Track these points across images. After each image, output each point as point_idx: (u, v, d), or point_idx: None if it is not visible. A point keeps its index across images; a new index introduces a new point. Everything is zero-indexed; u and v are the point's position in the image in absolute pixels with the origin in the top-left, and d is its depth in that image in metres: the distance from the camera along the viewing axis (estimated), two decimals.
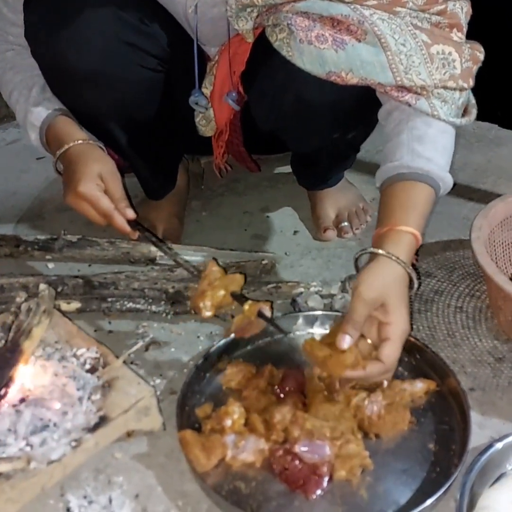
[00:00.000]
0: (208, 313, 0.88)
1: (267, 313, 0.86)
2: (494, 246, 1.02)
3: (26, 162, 1.54)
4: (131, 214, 0.95)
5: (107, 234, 1.24)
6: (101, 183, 0.95)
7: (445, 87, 0.90)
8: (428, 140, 0.90)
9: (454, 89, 0.91)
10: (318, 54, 0.87)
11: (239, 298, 0.88)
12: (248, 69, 1.04)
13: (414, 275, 0.83)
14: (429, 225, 1.24)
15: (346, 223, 1.23)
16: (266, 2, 0.90)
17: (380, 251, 0.82)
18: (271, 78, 0.97)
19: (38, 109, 1.02)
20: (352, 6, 0.86)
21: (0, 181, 1.47)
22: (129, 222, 0.95)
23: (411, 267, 0.83)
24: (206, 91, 1.11)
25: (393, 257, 0.82)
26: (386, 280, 0.81)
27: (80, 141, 0.99)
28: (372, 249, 0.84)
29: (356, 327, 0.80)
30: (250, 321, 0.86)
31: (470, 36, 0.95)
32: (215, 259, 0.96)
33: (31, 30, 0.99)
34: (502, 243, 1.04)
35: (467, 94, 0.95)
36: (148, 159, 1.16)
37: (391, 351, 0.79)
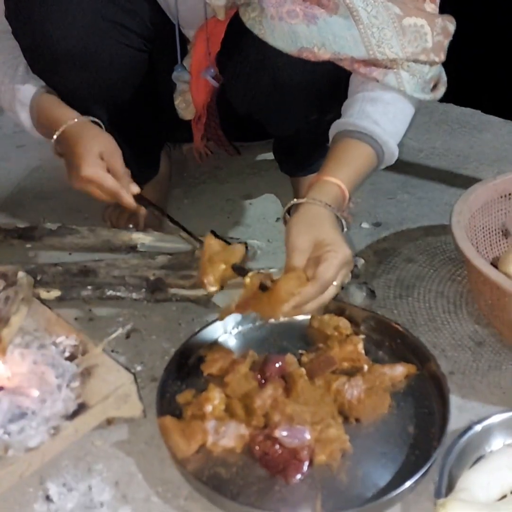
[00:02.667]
0: (213, 288, 0.88)
1: (269, 284, 0.83)
2: (475, 230, 1.03)
3: (6, 150, 1.53)
4: (136, 188, 0.97)
5: (88, 221, 1.24)
6: (102, 162, 0.95)
7: (416, 61, 0.90)
8: (380, 103, 0.92)
9: (425, 62, 0.91)
10: (290, 29, 0.86)
11: (240, 270, 0.87)
12: (223, 50, 1.03)
13: (339, 215, 0.85)
14: (411, 211, 1.26)
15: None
16: None
17: (304, 199, 0.85)
18: (245, 58, 0.97)
19: (25, 86, 1.01)
20: None
21: None
22: (134, 197, 0.97)
23: (335, 209, 0.85)
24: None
25: (317, 202, 0.84)
26: (312, 220, 0.83)
27: (75, 120, 0.98)
28: (296, 200, 0.86)
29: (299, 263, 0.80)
30: (253, 294, 0.83)
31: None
32: (212, 231, 0.93)
33: (12, 9, 0.97)
34: (483, 228, 1.05)
35: (438, 69, 0.96)
36: (130, 143, 1.14)
37: (326, 268, 0.79)
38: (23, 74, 1.02)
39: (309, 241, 0.81)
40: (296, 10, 0.86)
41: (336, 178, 0.87)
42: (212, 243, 0.90)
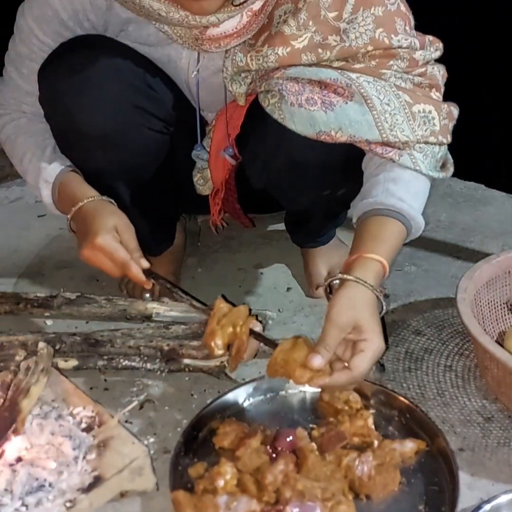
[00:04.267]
0: (220, 352, 0.91)
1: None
2: (481, 306, 1.06)
3: (27, 219, 1.58)
4: (146, 263, 1.00)
5: (105, 290, 1.27)
6: (116, 235, 0.99)
7: (426, 142, 0.98)
8: (402, 182, 0.97)
9: (434, 143, 0.99)
10: (309, 115, 0.93)
11: (257, 335, 0.92)
12: (242, 132, 1.10)
13: (381, 298, 0.88)
14: (418, 283, 1.29)
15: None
16: (260, 66, 0.97)
17: (349, 277, 0.88)
18: (263, 140, 1.04)
19: (51, 166, 1.07)
20: (339, 71, 0.94)
21: (1, 238, 1.51)
22: (143, 271, 1.00)
23: (378, 290, 0.88)
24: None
25: (361, 281, 0.87)
26: (356, 302, 0.86)
27: (92, 198, 1.03)
28: (341, 276, 0.89)
29: (328, 349, 0.83)
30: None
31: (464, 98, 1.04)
32: (223, 295, 0.97)
33: (45, 94, 1.05)
34: (488, 303, 1.08)
35: (445, 149, 1.03)
36: (148, 217, 1.20)
37: (361, 361, 0.83)
38: (50, 154, 1.09)
39: (348, 322, 0.84)
40: (315, 98, 0.93)
41: (378, 255, 0.90)
42: (222, 306, 0.93)
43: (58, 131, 1.08)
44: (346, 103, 0.93)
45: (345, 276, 0.89)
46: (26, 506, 0.74)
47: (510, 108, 1.80)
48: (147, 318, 1.17)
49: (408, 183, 0.98)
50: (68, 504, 0.75)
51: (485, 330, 0.94)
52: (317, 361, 0.83)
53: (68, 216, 1.04)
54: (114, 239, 0.99)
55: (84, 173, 1.09)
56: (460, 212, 1.57)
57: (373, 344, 0.84)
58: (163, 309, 1.17)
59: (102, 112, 1.03)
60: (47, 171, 1.07)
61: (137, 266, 0.99)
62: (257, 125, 1.03)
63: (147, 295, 1.24)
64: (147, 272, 1.01)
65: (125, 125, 1.05)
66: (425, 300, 1.23)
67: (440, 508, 0.79)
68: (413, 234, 1.00)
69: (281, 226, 1.41)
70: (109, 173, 1.10)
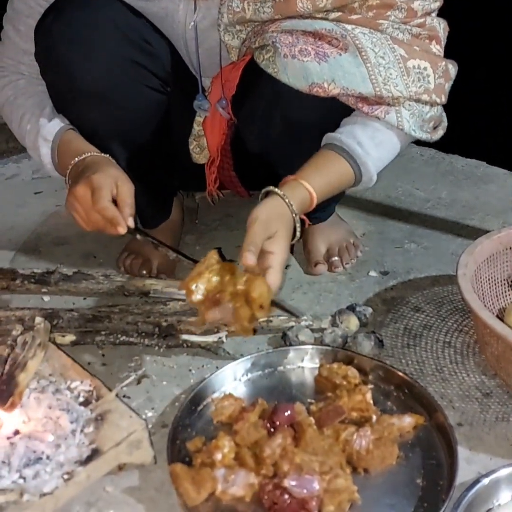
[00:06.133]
0: (198, 297, 0.84)
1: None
2: (481, 282, 1.05)
3: (23, 196, 1.58)
4: (131, 222, 0.94)
5: (103, 267, 1.27)
6: (114, 187, 0.93)
7: (418, 100, 0.97)
8: (370, 129, 0.98)
9: (427, 102, 0.98)
10: (301, 66, 0.92)
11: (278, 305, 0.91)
12: (238, 93, 1.08)
13: (298, 224, 0.92)
14: (418, 260, 1.28)
15: (336, 258, 1.26)
16: (255, 14, 0.96)
17: (276, 190, 0.91)
18: (258, 97, 1.03)
19: (50, 124, 1.05)
20: (335, 22, 0.92)
21: None
22: (129, 229, 0.94)
23: (297, 217, 0.91)
24: (200, 119, 1.15)
25: (286, 199, 0.90)
26: (278, 213, 0.89)
27: (96, 153, 1.01)
28: (271, 188, 0.92)
29: (256, 246, 0.85)
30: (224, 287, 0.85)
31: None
32: (219, 250, 0.92)
33: (40, 49, 1.03)
34: (489, 279, 1.07)
35: (438, 110, 1.02)
36: (144, 185, 1.18)
37: (276, 278, 0.85)
38: (49, 113, 1.07)
39: (269, 226, 0.87)
40: (308, 49, 0.92)
41: (310, 185, 0.94)
42: (215, 257, 0.88)
43: (53, 87, 1.06)
44: (340, 54, 0.92)
45: (272, 188, 0.92)
46: (24, 478, 0.74)
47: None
48: (145, 294, 1.17)
49: (375, 131, 0.98)
50: (65, 477, 0.75)
51: (485, 306, 0.93)
52: (250, 258, 0.84)
53: (68, 169, 1.01)
54: (111, 185, 0.93)
55: (80, 132, 1.07)
56: (461, 190, 1.56)
57: (280, 257, 0.86)
58: (161, 286, 1.17)
59: (98, 66, 1.01)
60: (46, 129, 1.05)
61: (119, 216, 0.92)
62: (252, 83, 1.02)
63: (144, 272, 1.23)
64: (132, 230, 0.95)
65: (121, 80, 1.03)
66: (424, 277, 1.23)
67: (438, 482, 0.79)
68: (364, 182, 1.01)
69: None
70: (104, 133, 1.07)
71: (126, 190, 0.94)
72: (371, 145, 0.98)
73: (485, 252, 1.05)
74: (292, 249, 0.98)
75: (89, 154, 1.00)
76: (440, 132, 1.04)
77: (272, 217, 0.88)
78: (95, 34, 1.00)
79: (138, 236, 0.97)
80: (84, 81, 1.01)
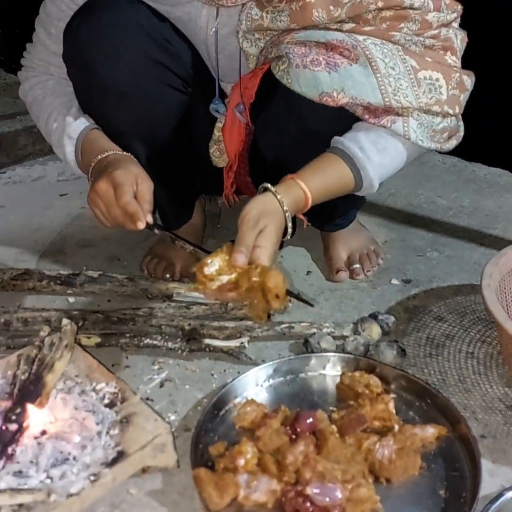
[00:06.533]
0: (210, 270, 0.86)
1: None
2: (505, 293, 1.04)
3: (49, 198, 1.60)
4: (150, 218, 0.94)
5: (126, 270, 1.28)
6: (134, 183, 0.94)
7: (428, 111, 0.96)
8: (373, 134, 0.98)
9: (438, 113, 0.97)
10: (312, 76, 0.93)
11: (292, 295, 0.92)
12: (256, 102, 1.09)
13: (289, 221, 0.93)
14: (440, 269, 1.28)
15: (357, 265, 1.26)
16: (273, 22, 0.98)
17: (271, 187, 0.92)
18: (274, 107, 1.04)
19: (76, 122, 1.08)
20: (347, 33, 0.93)
21: (24, 216, 1.52)
22: (147, 225, 0.94)
23: (289, 215, 0.92)
24: (220, 124, 1.16)
25: (278, 196, 0.91)
26: (268, 208, 0.90)
27: (118, 152, 1.03)
28: (266, 185, 0.93)
29: (247, 247, 0.86)
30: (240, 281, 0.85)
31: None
32: (233, 242, 0.91)
33: (68, 50, 1.06)
34: None
35: (452, 121, 1.01)
36: (167, 184, 1.19)
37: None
38: (75, 112, 1.09)
39: (259, 223, 0.88)
40: (319, 59, 0.93)
41: (306, 186, 0.94)
42: (229, 248, 0.88)
43: (79, 87, 1.09)
44: (351, 65, 0.93)
45: (266, 185, 0.93)
46: (51, 478, 0.76)
47: None
48: (168, 297, 1.18)
49: (379, 137, 0.98)
50: (92, 478, 0.76)
51: (509, 317, 0.93)
52: (241, 258, 0.85)
53: (91, 165, 1.02)
54: (133, 182, 0.94)
55: (104, 132, 1.09)
56: (484, 198, 1.56)
57: (267, 252, 0.87)
58: (184, 289, 1.18)
59: (121, 65, 1.03)
60: (72, 127, 1.07)
61: (139, 209, 0.93)
62: (269, 94, 1.03)
63: (167, 275, 1.24)
64: (150, 226, 0.95)
65: (144, 79, 1.05)
66: (447, 286, 1.23)
67: (461, 494, 0.79)
68: (365, 188, 1.01)
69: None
70: (127, 132, 1.09)
71: (146, 187, 0.96)
72: (373, 150, 0.98)
73: (510, 263, 1.04)
74: (281, 245, 0.98)
75: (112, 152, 1.02)
76: (453, 142, 1.04)
77: (263, 213, 0.89)
78: (120, 34, 1.02)
79: (156, 231, 0.97)
80: (108, 79, 1.03)
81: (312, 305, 1.07)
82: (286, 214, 0.92)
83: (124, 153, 1.04)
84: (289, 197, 0.93)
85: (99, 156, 1.02)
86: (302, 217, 0.99)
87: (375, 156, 0.98)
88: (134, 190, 0.95)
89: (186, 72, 1.11)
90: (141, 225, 0.93)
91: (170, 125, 1.14)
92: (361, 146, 0.98)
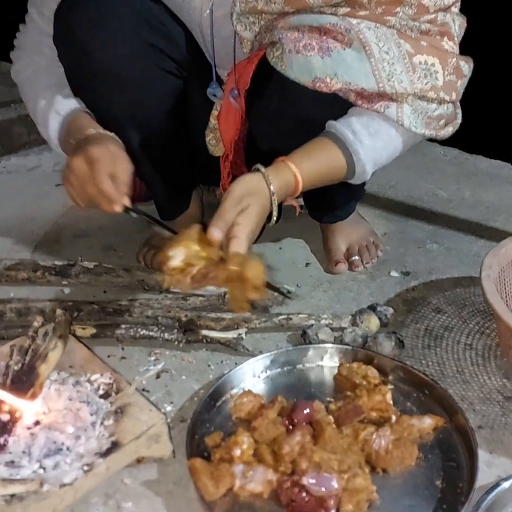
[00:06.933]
0: (175, 262, 0.80)
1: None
2: (505, 284, 1.03)
3: (45, 188, 1.58)
4: (126, 201, 0.90)
5: (123, 261, 1.27)
6: (112, 164, 0.90)
7: (423, 97, 0.94)
8: (366, 118, 0.97)
9: (434, 99, 0.95)
10: (305, 61, 0.92)
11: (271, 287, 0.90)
12: (251, 89, 1.07)
13: (275, 207, 0.90)
14: (440, 261, 1.27)
15: (356, 257, 1.25)
16: (267, 7, 0.95)
17: (262, 169, 0.90)
18: (269, 95, 1.03)
19: (66, 101, 1.06)
20: (341, 17, 0.91)
21: (19, 206, 1.51)
22: (125, 208, 0.90)
23: (275, 198, 0.89)
24: (216, 112, 1.14)
25: (268, 179, 0.89)
26: (253, 188, 0.88)
27: (102, 131, 1.00)
28: (257, 166, 0.91)
29: (225, 222, 0.84)
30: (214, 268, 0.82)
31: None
32: (204, 224, 0.89)
33: (59, 32, 1.04)
34: None
35: (449, 107, 0.99)
36: (162, 173, 1.17)
37: (239, 249, 0.82)
38: (68, 93, 1.07)
39: (243, 199, 0.86)
40: (312, 44, 0.92)
41: (297, 168, 0.92)
42: (197, 229, 0.84)
43: (71, 70, 1.06)
44: (344, 49, 0.91)
45: (259, 166, 0.91)
46: (44, 468, 0.75)
47: None
48: (165, 289, 1.17)
49: (371, 121, 0.96)
50: (85, 468, 0.75)
51: (509, 308, 0.92)
52: (217, 233, 0.83)
53: (71, 143, 0.99)
54: (110, 160, 0.90)
55: (96, 118, 1.07)
56: (485, 191, 1.54)
57: (246, 228, 0.84)
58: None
59: (114, 48, 1.01)
60: (61, 104, 1.05)
61: (119, 200, 0.89)
62: (263, 81, 1.02)
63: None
64: (127, 209, 0.91)
65: (138, 62, 1.03)
66: (446, 278, 1.22)
67: (457, 484, 0.78)
68: (357, 173, 0.99)
69: (300, 202, 1.39)
70: (120, 117, 1.07)
71: (124, 168, 0.92)
72: (365, 134, 0.96)
73: (510, 255, 1.03)
74: (262, 231, 0.94)
75: (94, 131, 0.99)
76: (449, 130, 1.01)
77: (248, 192, 0.87)
78: (112, 16, 1.00)
79: (133, 214, 0.92)
80: (101, 62, 1.01)
81: (290, 298, 1.05)
82: (273, 197, 0.89)
83: (107, 132, 1.00)
84: (278, 179, 0.90)
85: (77, 136, 0.99)
86: (295, 203, 0.97)
87: (367, 139, 0.96)
88: (111, 170, 0.90)
89: (181, 56, 1.09)
90: (118, 208, 0.89)
91: (165, 110, 1.12)
92: (353, 129, 0.96)
